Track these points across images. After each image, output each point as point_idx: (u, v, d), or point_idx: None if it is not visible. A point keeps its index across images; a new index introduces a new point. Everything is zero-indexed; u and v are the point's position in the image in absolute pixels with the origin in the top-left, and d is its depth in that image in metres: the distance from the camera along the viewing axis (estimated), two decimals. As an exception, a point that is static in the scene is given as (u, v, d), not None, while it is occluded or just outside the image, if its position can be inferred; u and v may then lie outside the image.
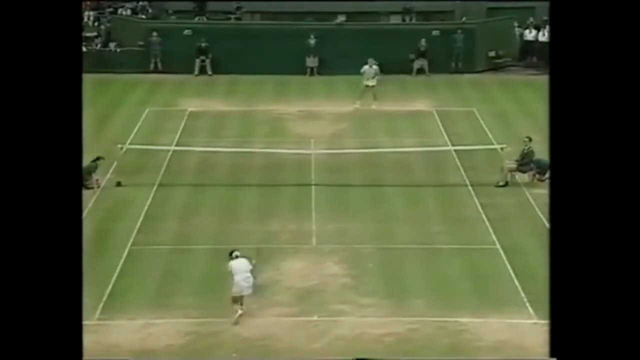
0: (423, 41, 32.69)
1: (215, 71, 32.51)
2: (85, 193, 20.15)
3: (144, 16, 35.49)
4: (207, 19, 35.45)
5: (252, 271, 15.55)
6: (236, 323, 15.24)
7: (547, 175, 21.95)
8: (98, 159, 21.50)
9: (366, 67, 28.38)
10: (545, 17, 33.80)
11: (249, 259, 15.70)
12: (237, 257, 15.63)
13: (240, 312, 15.39)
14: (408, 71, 32.60)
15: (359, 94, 28.16)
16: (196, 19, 35.23)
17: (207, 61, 32.64)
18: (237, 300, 15.46)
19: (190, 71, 32.49)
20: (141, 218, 19.76)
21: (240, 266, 15.50)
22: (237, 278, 15.39)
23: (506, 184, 21.77)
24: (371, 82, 28.14)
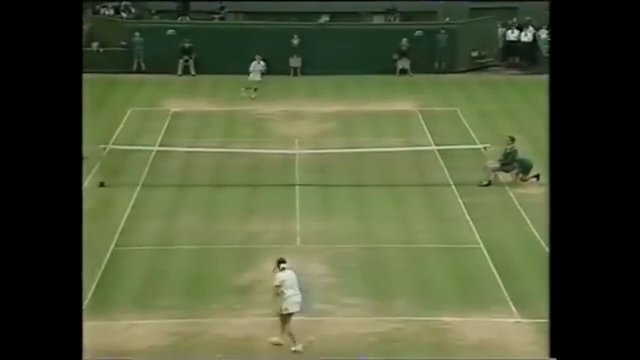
0: (405, 41, 32.77)
1: (199, 71, 32.47)
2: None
3: (126, 16, 35.39)
4: (191, 18, 35.40)
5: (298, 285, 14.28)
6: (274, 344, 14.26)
7: (530, 174, 22.07)
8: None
9: (254, 62, 29.33)
10: (528, 18, 33.99)
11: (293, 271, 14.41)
12: (283, 269, 14.25)
13: (276, 339, 14.17)
14: (391, 71, 32.69)
15: (245, 85, 29.06)
16: (179, 18, 35.17)
17: (191, 61, 32.60)
18: (285, 319, 14.20)
19: (173, 71, 32.43)
20: (124, 219, 19.70)
21: (290, 279, 14.20)
22: (288, 293, 14.10)
23: (489, 184, 21.85)
24: (256, 78, 29.29)
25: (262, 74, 29.53)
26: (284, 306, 14.15)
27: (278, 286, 14.20)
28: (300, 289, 14.36)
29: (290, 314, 14.25)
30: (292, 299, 14.18)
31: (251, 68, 29.54)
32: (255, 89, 29.25)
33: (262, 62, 29.61)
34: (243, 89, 29.27)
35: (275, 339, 14.39)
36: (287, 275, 14.28)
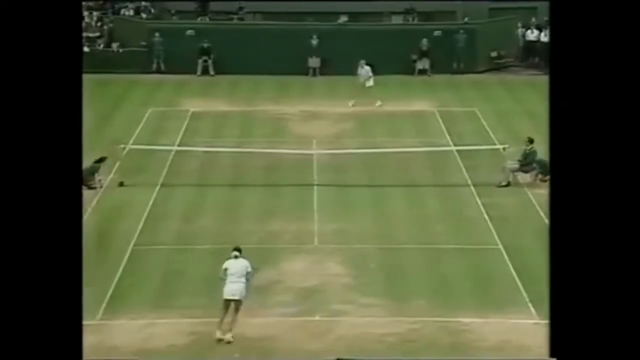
0: (426, 41, 32.73)
1: (218, 71, 32.57)
2: (88, 193, 20.20)
3: (146, 16, 35.55)
4: (210, 19, 35.52)
5: (248, 275, 14.78)
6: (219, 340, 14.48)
7: (549, 175, 21.97)
8: (101, 159, 21.55)
9: (359, 68, 28.66)
10: (547, 18, 33.86)
11: (250, 261, 15.06)
12: (236, 257, 14.94)
13: (219, 335, 14.47)
14: (410, 71, 32.66)
15: (356, 93, 28.35)
16: (198, 19, 35.30)
17: (210, 61, 32.71)
18: (226, 306, 14.67)
19: (192, 71, 32.54)
20: (144, 218, 19.81)
21: (234, 268, 14.75)
22: (228, 280, 14.67)
23: (508, 184, 21.78)
24: (368, 83, 28.36)
25: (370, 77, 28.22)
26: (223, 292, 14.71)
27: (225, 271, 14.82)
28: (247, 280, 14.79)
29: (230, 301, 14.63)
30: (229, 287, 14.62)
31: (357, 73, 28.61)
32: (375, 96, 27.99)
33: (366, 67, 28.33)
34: (352, 103, 28.11)
35: (218, 333, 14.65)
36: (231, 264, 14.78)
